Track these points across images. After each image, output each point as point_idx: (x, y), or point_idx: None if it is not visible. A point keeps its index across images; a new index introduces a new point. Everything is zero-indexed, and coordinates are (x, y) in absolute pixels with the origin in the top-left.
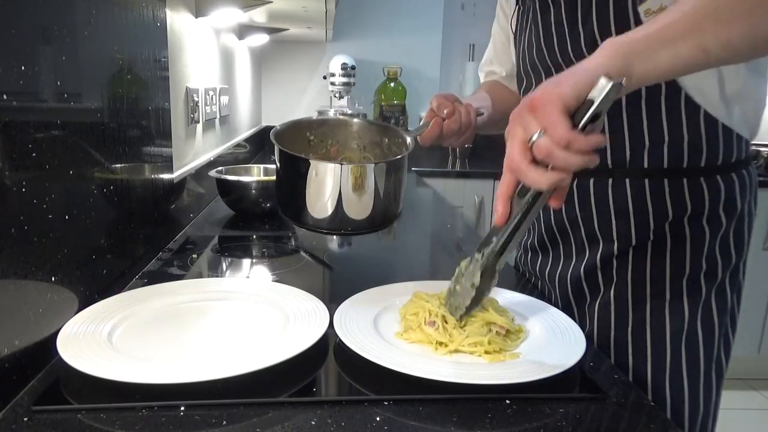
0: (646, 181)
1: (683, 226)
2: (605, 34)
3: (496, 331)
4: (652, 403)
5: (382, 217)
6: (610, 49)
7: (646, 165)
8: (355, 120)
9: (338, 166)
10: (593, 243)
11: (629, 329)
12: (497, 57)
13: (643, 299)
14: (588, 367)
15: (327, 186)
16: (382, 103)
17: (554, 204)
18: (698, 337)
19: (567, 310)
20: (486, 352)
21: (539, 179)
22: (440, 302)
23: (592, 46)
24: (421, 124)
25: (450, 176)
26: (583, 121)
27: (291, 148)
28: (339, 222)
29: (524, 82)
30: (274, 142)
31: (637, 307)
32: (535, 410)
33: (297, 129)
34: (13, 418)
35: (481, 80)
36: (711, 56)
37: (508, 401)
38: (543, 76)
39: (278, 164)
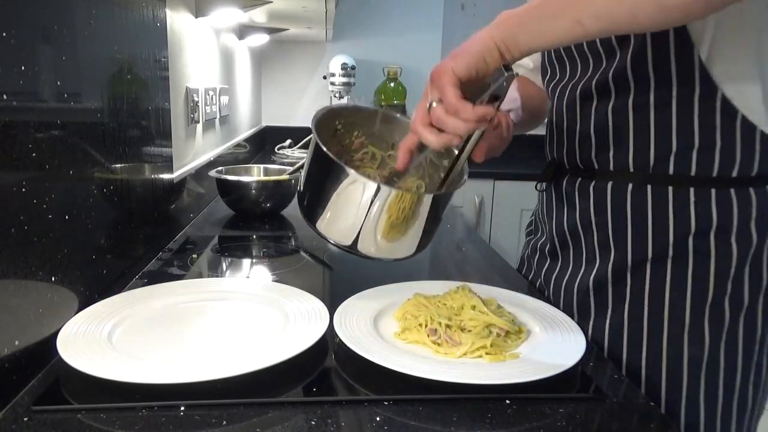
0: (670, 188)
1: (708, 241)
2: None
3: (497, 333)
4: (652, 403)
5: (408, 249)
6: (500, 19)
7: (671, 171)
8: (391, 114)
9: (377, 185)
10: (605, 251)
11: (643, 356)
12: None
13: (660, 324)
14: (588, 367)
15: (358, 206)
16: (382, 103)
17: (476, 158)
18: (719, 367)
19: None
20: (486, 353)
21: (431, 139)
22: (438, 305)
23: (623, 39)
24: None
25: None
26: (483, 100)
27: (318, 136)
28: (359, 245)
29: (548, 73)
30: (313, 130)
31: (653, 332)
32: (535, 410)
33: (330, 116)
34: (13, 418)
35: None
36: (588, 29)
37: (508, 401)
38: (567, 65)
39: (311, 157)
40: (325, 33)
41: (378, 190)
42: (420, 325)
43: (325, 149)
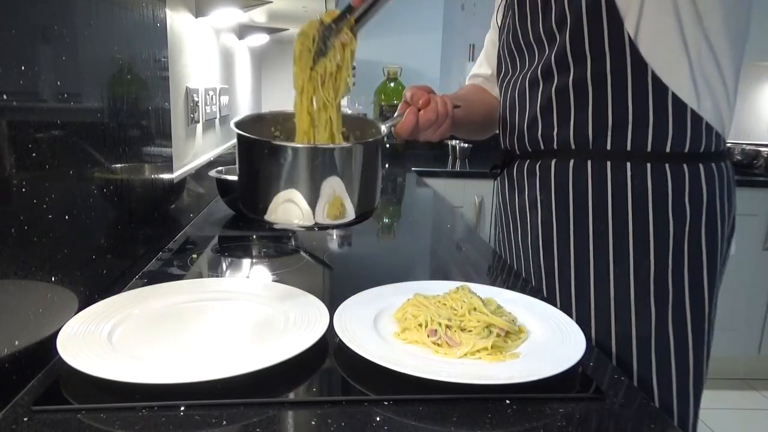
0: (608, 163)
1: (647, 214)
2: (575, 9)
3: (497, 333)
4: (652, 403)
5: (355, 211)
6: None
7: (609, 147)
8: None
9: (301, 147)
10: (547, 227)
11: (592, 336)
12: (487, 57)
13: (607, 303)
14: (588, 367)
15: (291, 173)
16: (382, 103)
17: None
18: (669, 343)
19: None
20: (487, 354)
21: None
22: (438, 305)
23: (561, 23)
24: (395, 115)
25: (450, 176)
26: None
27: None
28: (308, 216)
29: (502, 69)
30: (234, 129)
31: (600, 310)
32: (535, 410)
33: (260, 124)
34: (13, 418)
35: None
36: None
37: (508, 401)
38: (517, 59)
39: (237, 154)
40: None
41: (295, 151)
42: (420, 325)
43: (241, 132)
